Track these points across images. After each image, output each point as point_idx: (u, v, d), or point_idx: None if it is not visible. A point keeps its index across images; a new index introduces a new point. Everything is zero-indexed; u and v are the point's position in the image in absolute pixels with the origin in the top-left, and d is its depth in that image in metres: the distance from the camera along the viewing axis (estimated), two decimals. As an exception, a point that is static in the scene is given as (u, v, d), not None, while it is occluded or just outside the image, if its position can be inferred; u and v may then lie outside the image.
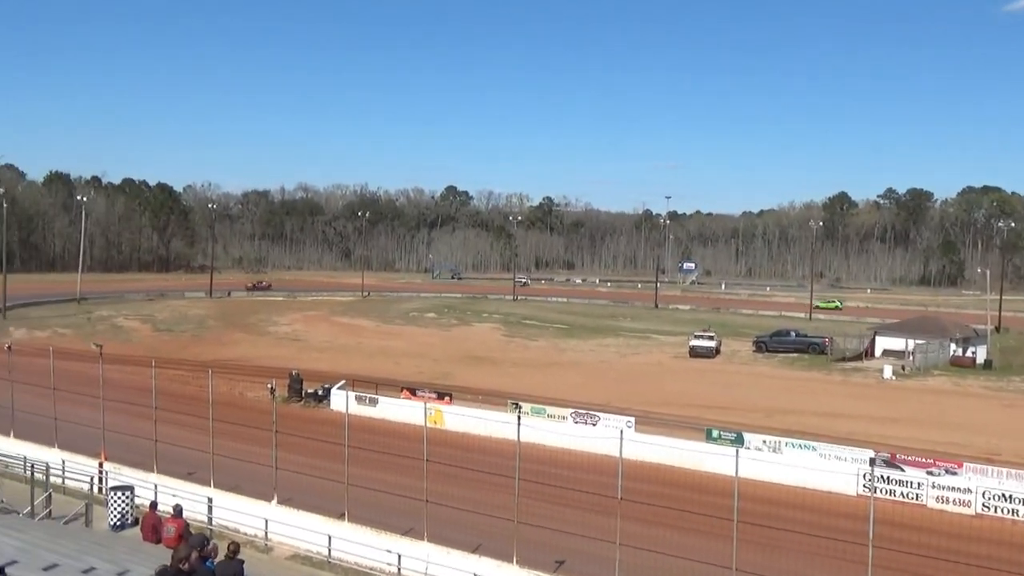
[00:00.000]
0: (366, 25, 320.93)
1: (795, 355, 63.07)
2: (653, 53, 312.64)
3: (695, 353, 63.45)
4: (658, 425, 36.65)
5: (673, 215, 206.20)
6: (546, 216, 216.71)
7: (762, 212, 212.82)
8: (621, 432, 22.79)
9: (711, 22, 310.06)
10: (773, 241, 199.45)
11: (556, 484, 23.36)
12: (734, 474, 18.18)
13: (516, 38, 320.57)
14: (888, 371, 54.69)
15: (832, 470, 30.35)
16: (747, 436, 34.69)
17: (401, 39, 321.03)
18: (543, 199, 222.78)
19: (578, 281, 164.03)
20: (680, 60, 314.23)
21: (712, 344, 64.44)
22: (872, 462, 29.21)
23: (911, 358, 57.57)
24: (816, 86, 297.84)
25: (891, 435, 37.62)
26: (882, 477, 28.86)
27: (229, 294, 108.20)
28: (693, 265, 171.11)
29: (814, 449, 33.30)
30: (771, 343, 65.36)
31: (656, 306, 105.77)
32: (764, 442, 34.26)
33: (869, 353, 62.11)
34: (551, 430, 35.16)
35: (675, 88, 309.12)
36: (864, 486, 28.02)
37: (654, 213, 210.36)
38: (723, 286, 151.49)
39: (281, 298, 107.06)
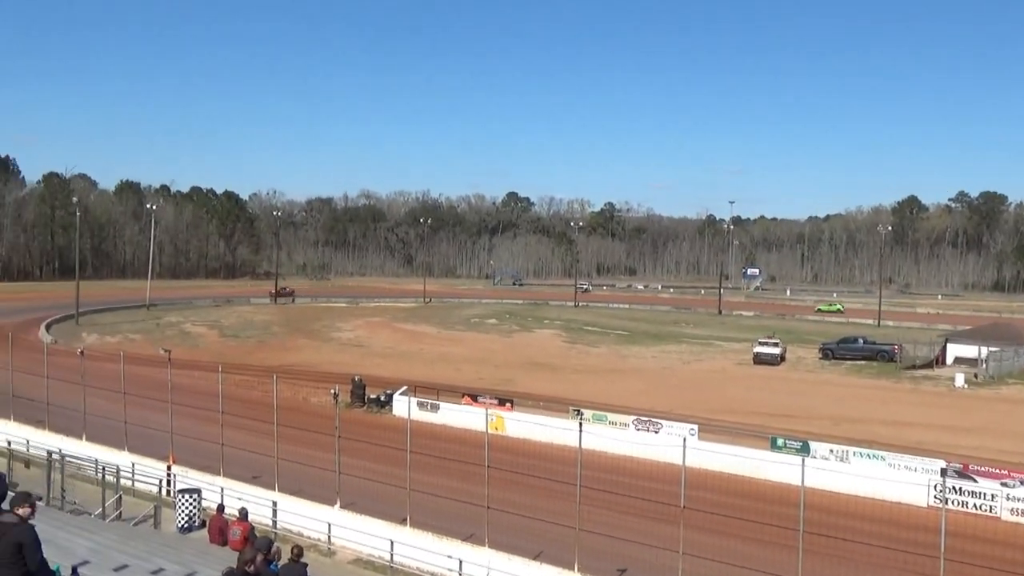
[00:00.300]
0: (429, 34, 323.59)
1: (863, 363, 61.77)
2: (716, 56, 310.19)
3: (759, 360, 62.59)
4: (721, 433, 36.19)
5: (737, 220, 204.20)
6: (607, 222, 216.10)
7: (828, 217, 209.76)
8: (684, 440, 22.55)
9: (774, 23, 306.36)
10: (840, 246, 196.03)
11: (618, 492, 23.20)
12: (800, 483, 17.90)
13: (575, 43, 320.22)
14: (960, 379, 53.31)
15: (902, 480, 29.65)
16: (813, 445, 34.07)
17: (462, 47, 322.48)
18: (605, 205, 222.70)
19: (640, 287, 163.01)
20: (743, 63, 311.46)
21: (777, 351, 63.50)
22: (943, 472, 28.51)
23: (984, 366, 56.05)
24: (885, 87, 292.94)
25: (963, 445, 36.62)
26: (954, 488, 28.09)
27: (293, 300, 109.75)
28: (757, 271, 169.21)
29: (883, 459, 32.58)
30: (838, 350, 64.16)
31: (719, 312, 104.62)
32: (831, 451, 33.62)
33: (940, 361, 60.59)
34: (613, 437, 34.88)
35: (738, 91, 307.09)
36: (935, 497, 27.29)
37: (717, 218, 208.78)
38: (788, 292, 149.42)
39: (344, 304, 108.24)
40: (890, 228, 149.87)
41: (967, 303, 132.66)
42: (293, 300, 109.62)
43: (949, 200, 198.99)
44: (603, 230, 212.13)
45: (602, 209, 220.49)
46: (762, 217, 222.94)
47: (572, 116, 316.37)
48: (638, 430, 38.10)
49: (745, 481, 28.09)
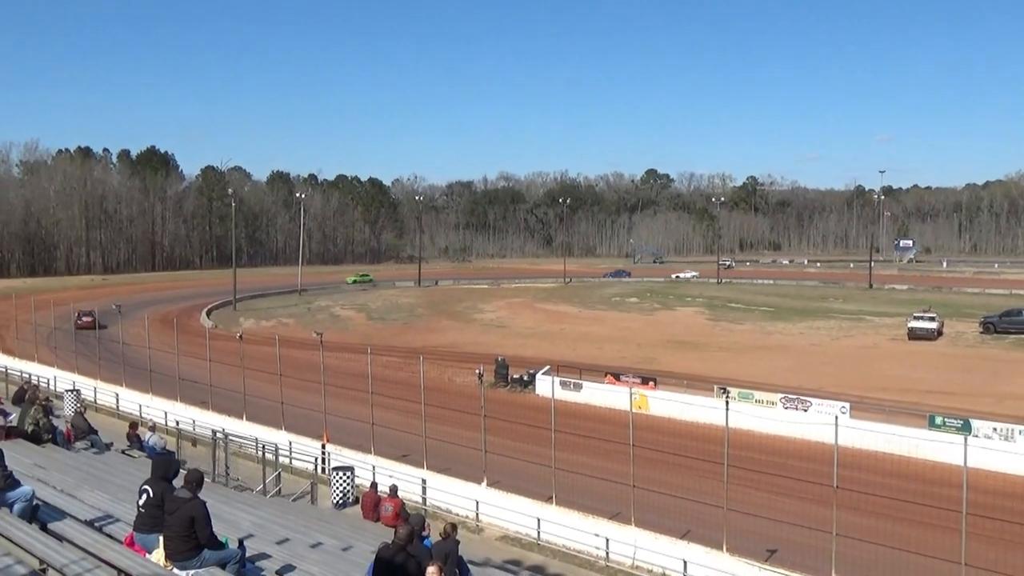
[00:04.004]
0: (559, 11, 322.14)
1: (1029, 336, 58.42)
2: (859, 22, 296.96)
3: (914, 335, 60.07)
4: (875, 411, 34.98)
5: (888, 190, 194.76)
6: (750, 196, 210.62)
7: (988, 183, 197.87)
8: (836, 418, 21.92)
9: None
10: (1001, 214, 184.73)
11: (766, 471, 22.77)
12: (962, 463, 17.10)
13: (713, 15, 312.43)
14: None
15: (1075, 461, 27.98)
16: (975, 423, 32.52)
17: (595, 28, 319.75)
18: (747, 179, 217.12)
19: (785, 262, 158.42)
20: (890, 25, 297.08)
21: (933, 325, 60.76)
22: (1121, 453, 26.75)
23: None
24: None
25: None
26: None
27: (436, 283, 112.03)
28: (911, 242, 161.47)
29: (1053, 438, 30.84)
30: (1001, 323, 60.75)
31: (870, 286, 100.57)
32: (994, 429, 32.01)
33: (1116, 334, 56.64)
34: (760, 415, 34.28)
35: (886, 56, 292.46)
36: (1113, 479, 25.66)
37: (867, 189, 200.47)
38: (944, 264, 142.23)
39: (485, 286, 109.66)
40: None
41: None
42: (436, 283, 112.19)
43: None
44: (745, 205, 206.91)
45: (744, 183, 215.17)
46: (915, 186, 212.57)
47: (712, 90, 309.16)
48: (786, 408, 37.27)
49: (901, 461, 27.03)
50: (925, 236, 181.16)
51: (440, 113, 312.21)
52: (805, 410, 36.38)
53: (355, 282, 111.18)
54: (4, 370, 36.65)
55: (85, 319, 55.39)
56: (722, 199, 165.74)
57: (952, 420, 33.23)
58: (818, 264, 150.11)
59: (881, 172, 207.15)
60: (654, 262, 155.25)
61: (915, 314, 62.94)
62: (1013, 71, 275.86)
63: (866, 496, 20.21)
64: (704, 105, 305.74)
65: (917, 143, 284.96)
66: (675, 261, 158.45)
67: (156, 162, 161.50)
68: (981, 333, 60.96)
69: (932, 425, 32.85)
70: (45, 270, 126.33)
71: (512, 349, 53.70)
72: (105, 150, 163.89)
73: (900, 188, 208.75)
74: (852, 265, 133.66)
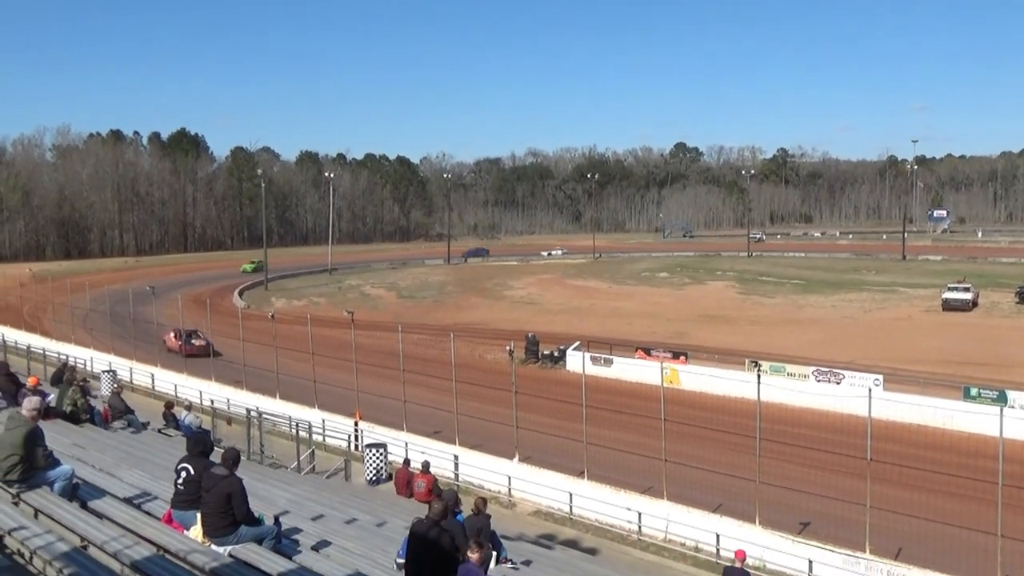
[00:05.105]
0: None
1: (1066, 307, 57.58)
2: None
3: (949, 306, 59.42)
4: (909, 383, 34.65)
5: (921, 160, 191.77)
6: (780, 168, 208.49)
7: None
8: (869, 390, 21.81)
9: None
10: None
11: (799, 444, 22.69)
12: (998, 434, 16.94)
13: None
14: None
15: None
16: (1011, 394, 32.10)
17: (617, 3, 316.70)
18: (777, 151, 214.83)
19: (816, 235, 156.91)
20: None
21: (968, 296, 60.04)
22: None
23: None
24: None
25: None
26: None
27: (466, 260, 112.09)
28: (945, 212, 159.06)
29: (1091, 408, 30.42)
30: (1038, 294, 59.97)
31: (903, 257, 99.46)
32: (1031, 400, 31.65)
33: None
34: (792, 389, 34.10)
35: (918, 23, 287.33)
36: None
37: (899, 159, 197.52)
38: (979, 234, 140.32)
39: (515, 263, 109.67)
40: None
41: None
42: (466, 260, 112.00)
43: None
44: (776, 177, 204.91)
45: (774, 156, 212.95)
46: (949, 155, 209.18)
47: (741, 62, 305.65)
48: (819, 381, 37.04)
49: (936, 433, 26.84)
50: (959, 206, 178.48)
51: (468, 90, 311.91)
52: (838, 383, 36.13)
53: (250, 271, 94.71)
54: (42, 352, 37.18)
55: (196, 343, 41.82)
56: (752, 172, 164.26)
57: (988, 391, 32.85)
58: (850, 236, 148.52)
59: (914, 141, 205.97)
60: (684, 236, 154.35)
61: (949, 285, 62.24)
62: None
63: (900, 468, 20.08)
64: (733, 77, 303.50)
65: (951, 112, 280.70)
66: (705, 236, 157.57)
67: (186, 144, 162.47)
68: (1017, 303, 60.12)
69: (967, 396, 32.49)
70: (80, 253, 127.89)
71: (542, 325, 53.70)
72: (136, 133, 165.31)
73: (934, 158, 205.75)
74: (885, 236, 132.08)
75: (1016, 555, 16.76)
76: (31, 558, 7.67)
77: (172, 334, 43.34)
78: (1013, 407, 30.12)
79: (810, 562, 18.14)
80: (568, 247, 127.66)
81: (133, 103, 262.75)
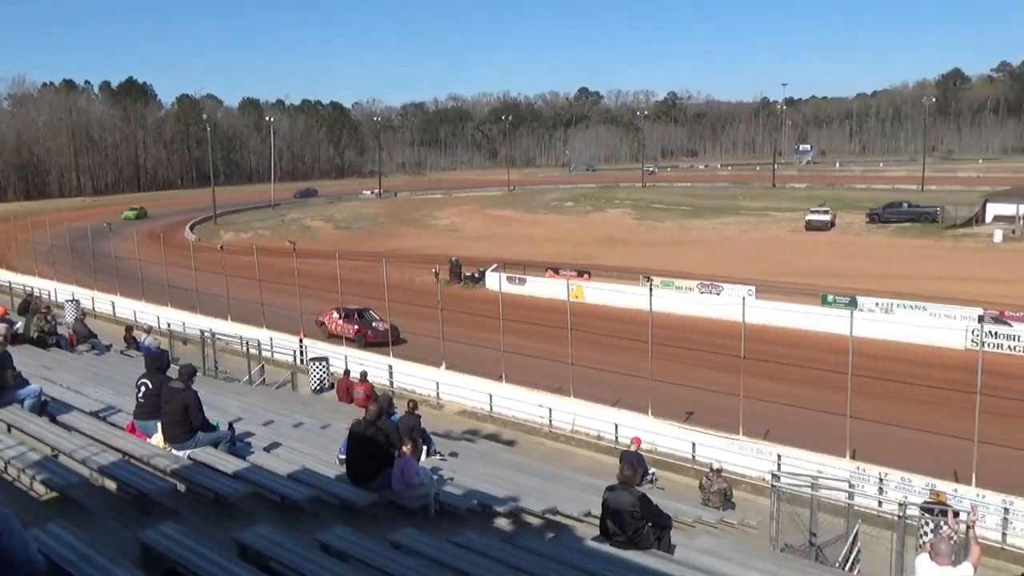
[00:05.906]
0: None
1: (907, 224, 59.56)
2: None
3: (811, 227, 61.14)
4: (777, 292, 35.79)
5: (789, 101, 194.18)
6: (671, 109, 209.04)
7: (875, 93, 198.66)
8: (743, 299, 22.43)
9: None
10: (887, 120, 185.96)
11: (685, 346, 23.30)
12: (848, 333, 17.68)
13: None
14: (999, 235, 51.23)
15: (942, 327, 29.06)
16: (861, 299, 33.49)
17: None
18: (667, 94, 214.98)
19: (701, 167, 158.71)
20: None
21: (827, 218, 61.81)
22: (981, 319, 27.80)
23: (1021, 222, 53.65)
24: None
25: (1000, 294, 35.40)
26: (990, 332, 27.43)
27: (395, 195, 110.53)
28: (809, 146, 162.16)
29: (924, 309, 31.93)
30: (884, 214, 61.87)
31: (774, 186, 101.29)
32: (877, 304, 33.04)
33: (979, 219, 57.92)
34: (680, 299, 34.94)
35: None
36: (972, 341, 26.72)
37: (771, 100, 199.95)
38: (837, 164, 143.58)
39: (439, 196, 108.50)
40: (934, 100, 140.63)
41: (1006, 166, 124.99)
42: (395, 194, 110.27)
43: (991, 70, 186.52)
44: (667, 117, 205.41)
45: (665, 98, 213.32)
46: (813, 97, 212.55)
47: (635, 13, 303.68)
48: (702, 293, 37.99)
49: (799, 334, 27.84)
50: (821, 141, 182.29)
51: (396, 40, 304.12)
52: (718, 294, 37.11)
53: (132, 217, 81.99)
54: (8, 284, 35.73)
55: (379, 326, 29.24)
56: (646, 113, 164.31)
57: (841, 297, 34.16)
58: (729, 168, 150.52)
59: (784, 84, 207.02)
60: (587, 170, 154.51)
61: (811, 208, 63.93)
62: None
63: (769, 364, 20.82)
64: (630, 27, 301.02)
65: (816, 57, 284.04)
66: (606, 169, 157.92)
67: (135, 92, 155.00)
68: (868, 223, 62.04)
69: (824, 302, 33.74)
70: (40, 194, 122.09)
71: (464, 251, 53.61)
72: (87, 82, 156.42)
73: (800, 99, 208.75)
74: (758, 168, 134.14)
75: (863, 435, 17.68)
76: (5, 467, 7.50)
77: (334, 312, 30.84)
78: (862, 310, 31.42)
79: (693, 444, 18.85)
80: (486, 181, 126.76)
81: (83, 54, 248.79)
